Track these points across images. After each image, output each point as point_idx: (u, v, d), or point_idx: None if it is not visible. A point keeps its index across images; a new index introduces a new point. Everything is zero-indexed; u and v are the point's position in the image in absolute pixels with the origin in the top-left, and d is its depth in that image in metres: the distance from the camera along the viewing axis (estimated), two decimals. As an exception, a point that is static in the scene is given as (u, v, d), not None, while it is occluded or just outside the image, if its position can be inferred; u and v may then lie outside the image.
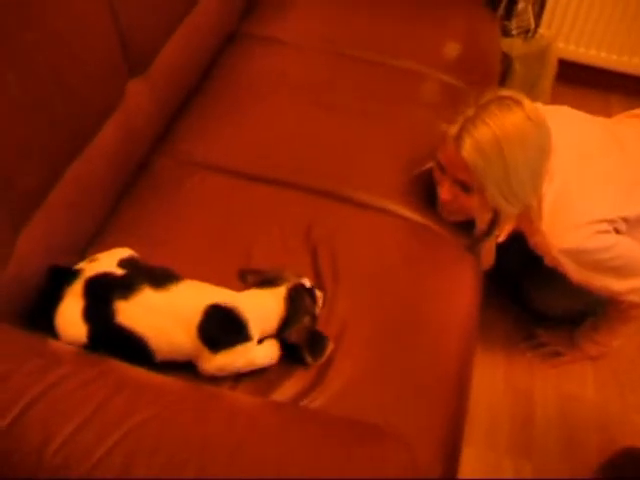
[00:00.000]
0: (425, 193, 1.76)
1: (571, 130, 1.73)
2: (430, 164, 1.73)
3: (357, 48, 2.20)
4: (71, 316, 1.24)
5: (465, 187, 1.58)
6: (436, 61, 2.22)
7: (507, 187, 1.54)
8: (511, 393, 2.03)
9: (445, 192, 1.64)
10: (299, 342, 1.30)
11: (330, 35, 2.25)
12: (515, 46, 2.69)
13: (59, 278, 1.28)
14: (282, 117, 1.91)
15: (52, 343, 1.17)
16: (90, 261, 1.33)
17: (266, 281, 1.34)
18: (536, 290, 2.13)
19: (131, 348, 1.24)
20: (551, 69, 2.83)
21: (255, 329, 1.26)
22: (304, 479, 0.91)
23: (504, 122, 1.51)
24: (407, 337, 1.44)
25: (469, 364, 1.50)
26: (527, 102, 1.56)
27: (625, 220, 1.66)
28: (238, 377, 1.29)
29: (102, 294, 1.25)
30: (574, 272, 1.70)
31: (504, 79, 2.66)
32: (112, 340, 1.24)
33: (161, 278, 1.29)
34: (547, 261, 1.72)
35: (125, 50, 1.56)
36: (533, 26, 2.72)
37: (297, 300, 1.31)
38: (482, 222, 1.81)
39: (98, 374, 1.05)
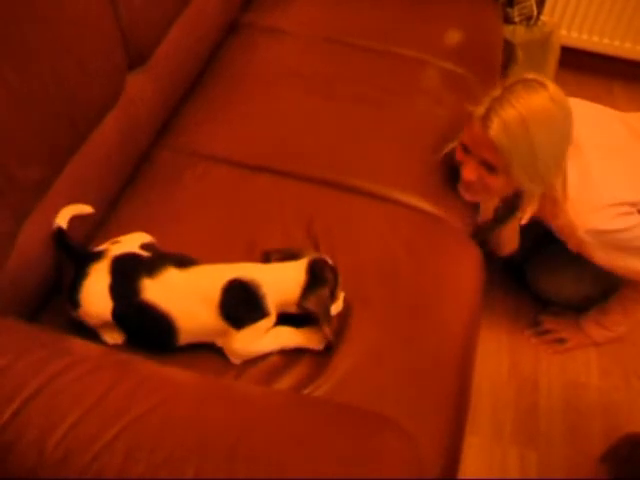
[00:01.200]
0: (426, 180, 1.76)
1: (592, 118, 1.75)
2: (446, 149, 1.76)
3: (359, 37, 2.20)
4: (97, 292, 1.26)
5: (490, 167, 1.61)
6: (439, 49, 2.21)
7: (532, 167, 1.57)
8: (515, 380, 2.03)
9: (470, 172, 1.65)
10: (316, 310, 1.29)
11: (332, 24, 2.25)
12: (517, 33, 2.68)
13: (82, 259, 1.31)
14: (284, 107, 1.91)
15: (53, 335, 1.17)
16: (112, 243, 1.35)
17: (288, 257, 1.35)
18: (544, 275, 2.13)
19: (155, 327, 1.27)
20: (554, 56, 2.82)
21: (272, 302, 1.28)
22: (305, 475, 0.91)
23: (530, 103, 1.54)
24: (410, 326, 1.43)
25: (472, 352, 1.50)
26: (551, 85, 1.59)
27: None
28: (242, 366, 1.30)
29: (128, 271, 1.28)
30: (599, 254, 1.71)
31: (507, 66, 2.65)
32: (136, 318, 1.27)
33: (183, 260, 1.32)
34: (571, 245, 1.73)
35: (125, 42, 1.56)
36: (535, 13, 2.71)
37: (318, 271, 1.32)
38: (487, 211, 1.81)
39: (97, 365, 1.05)
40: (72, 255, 1.34)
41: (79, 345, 1.16)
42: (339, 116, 1.89)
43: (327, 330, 1.30)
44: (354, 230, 1.58)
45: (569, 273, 2.00)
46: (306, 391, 1.28)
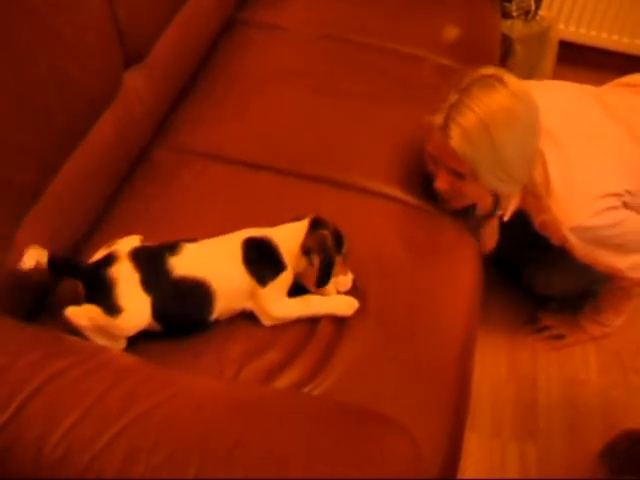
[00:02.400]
0: (425, 177, 1.75)
1: (565, 104, 1.72)
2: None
3: (356, 33, 2.19)
4: (136, 293, 1.24)
5: (459, 175, 1.56)
6: (436, 44, 2.21)
7: (500, 169, 1.51)
8: (514, 378, 2.03)
9: (441, 182, 1.61)
10: (312, 247, 1.31)
11: (329, 20, 2.24)
12: (515, 28, 2.68)
13: (92, 271, 1.26)
14: (281, 104, 1.90)
15: (52, 334, 1.16)
16: (108, 246, 1.32)
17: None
18: (538, 271, 2.14)
19: (194, 300, 1.29)
20: (552, 50, 2.81)
21: (287, 256, 1.33)
22: (307, 475, 0.91)
23: (489, 104, 1.47)
24: (408, 323, 1.43)
25: (471, 349, 1.50)
26: (510, 78, 1.52)
27: (630, 193, 1.65)
28: (240, 364, 1.30)
29: (152, 260, 1.27)
30: (580, 250, 1.69)
31: (504, 61, 2.65)
32: (174, 300, 1.27)
33: (189, 239, 1.34)
34: (554, 240, 1.71)
35: (122, 40, 1.55)
36: (533, 7, 2.71)
37: (319, 223, 1.35)
38: (484, 205, 1.81)
39: (97, 365, 1.04)
40: (77, 272, 1.29)
41: (78, 345, 1.15)
42: (336, 113, 1.89)
43: (315, 260, 1.31)
44: (352, 227, 1.56)
45: (566, 269, 2.00)
46: (305, 390, 1.28)
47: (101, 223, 1.54)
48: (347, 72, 2.03)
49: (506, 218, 1.74)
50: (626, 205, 1.67)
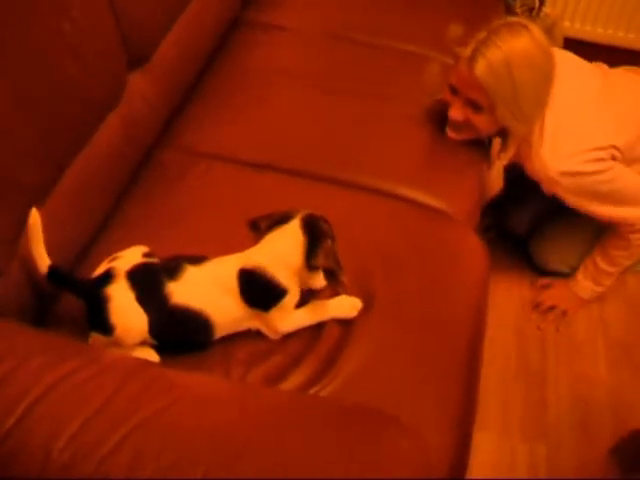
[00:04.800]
0: (429, 174, 1.77)
1: (570, 70, 1.84)
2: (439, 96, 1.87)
3: (360, 33, 2.19)
4: (128, 309, 1.22)
5: (476, 106, 1.72)
6: (440, 43, 2.19)
7: (515, 105, 1.68)
8: (523, 375, 2.02)
9: (456, 112, 1.77)
10: (329, 265, 1.28)
11: (333, 20, 2.23)
12: (520, 25, 2.67)
13: (90, 287, 1.25)
14: (286, 104, 1.90)
15: (57, 338, 1.16)
16: (110, 260, 1.29)
17: (277, 222, 1.31)
18: (547, 248, 2.20)
19: (192, 328, 1.27)
20: (557, 48, 2.80)
21: (285, 278, 1.28)
22: (316, 476, 0.90)
23: (514, 45, 1.64)
24: (416, 323, 1.43)
25: (479, 347, 1.49)
26: (535, 28, 1.68)
27: (616, 149, 1.76)
28: (248, 366, 1.29)
29: (150, 281, 1.25)
30: (570, 197, 1.83)
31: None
32: (171, 324, 1.25)
33: (192, 258, 1.30)
34: (545, 187, 1.83)
35: (125, 42, 1.55)
36: (537, 5, 2.69)
37: (313, 225, 1.30)
38: (493, 188, 1.88)
39: (103, 368, 1.04)
40: (76, 288, 1.29)
41: (83, 349, 1.16)
42: (341, 112, 1.89)
43: (345, 279, 1.29)
44: (358, 227, 1.57)
45: (575, 247, 2.12)
46: (312, 391, 1.27)
47: (108, 226, 1.54)
48: (351, 71, 2.03)
49: (504, 163, 1.93)
50: (614, 158, 1.78)
